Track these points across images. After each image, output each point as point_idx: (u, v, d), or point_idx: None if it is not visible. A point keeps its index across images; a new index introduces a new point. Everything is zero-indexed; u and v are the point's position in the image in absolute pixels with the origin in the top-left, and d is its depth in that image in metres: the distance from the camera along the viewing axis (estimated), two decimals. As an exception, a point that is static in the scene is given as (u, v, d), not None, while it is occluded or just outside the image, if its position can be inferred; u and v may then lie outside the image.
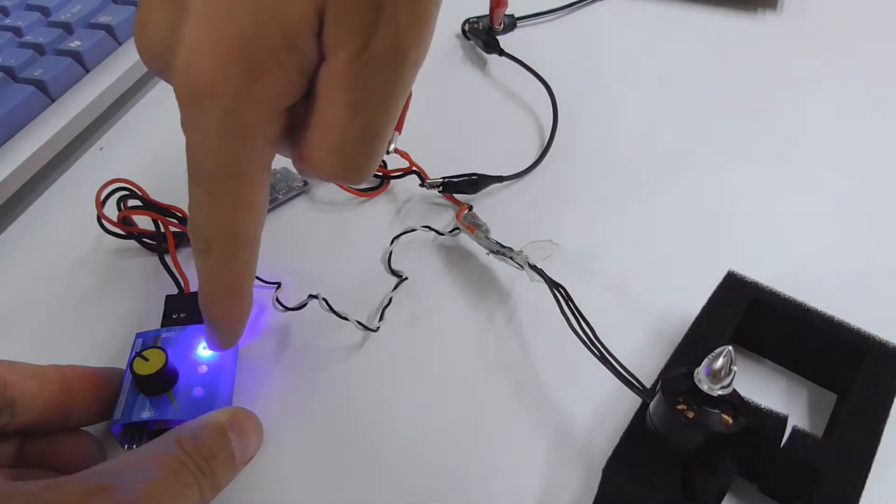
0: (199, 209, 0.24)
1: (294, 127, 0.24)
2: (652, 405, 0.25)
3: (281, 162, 0.39)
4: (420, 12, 0.22)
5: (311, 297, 0.31)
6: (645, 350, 0.31)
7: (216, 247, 0.24)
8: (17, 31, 0.43)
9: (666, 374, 0.25)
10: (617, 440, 0.25)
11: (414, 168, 0.38)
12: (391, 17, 0.21)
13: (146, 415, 0.26)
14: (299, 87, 0.22)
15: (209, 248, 0.24)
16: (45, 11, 0.44)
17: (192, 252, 0.25)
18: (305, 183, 0.38)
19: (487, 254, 0.34)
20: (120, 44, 0.44)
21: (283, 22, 0.21)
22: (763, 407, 0.26)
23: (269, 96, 0.22)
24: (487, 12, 0.48)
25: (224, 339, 0.27)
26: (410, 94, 0.38)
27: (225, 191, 0.23)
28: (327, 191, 0.39)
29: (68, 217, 0.37)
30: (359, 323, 0.31)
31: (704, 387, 0.23)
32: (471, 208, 0.37)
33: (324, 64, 0.22)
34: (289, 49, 0.21)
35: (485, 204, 0.38)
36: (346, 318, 0.31)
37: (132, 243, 0.35)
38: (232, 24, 0.21)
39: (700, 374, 0.23)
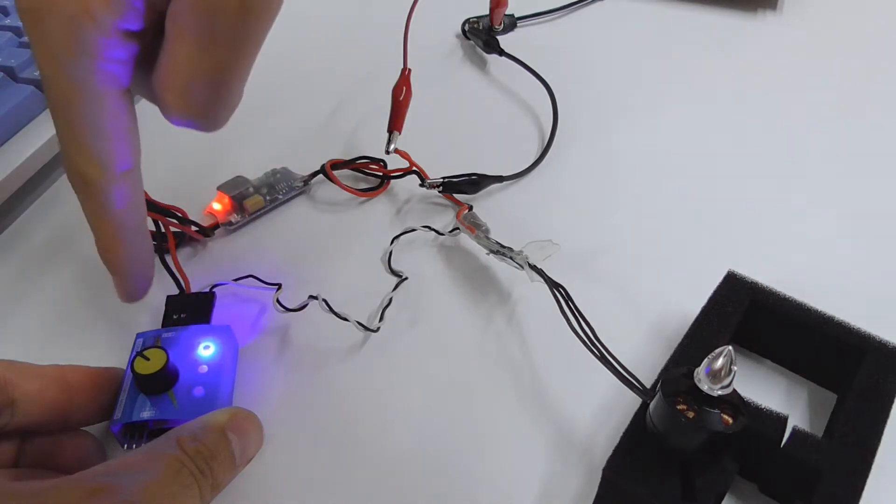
0: (64, 139, 0.24)
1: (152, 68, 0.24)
2: (652, 405, 0.25)
3: (281, 161, 0.39)
4: None
5: (312, 297, 0.31)
6: (645, 350, 0.31)
7: (87, 181, 0.25)
8: (18, 31, 0.43)
9: (666, 374, 0.25)
10: (617, 440, 0.25)
11: (414, 168, 0.38)
12: None
13: (146, 414, 0.26)
14: (142, 13, 0.23)
15: (84, 183, 0.25)
16: (45, 11, 0.44)
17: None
18: (305, 183, 0.38)
19: (487, 254, 0.34)
20: (120, 44, 0.44)
21: None
22: (763, 407, 0.26)
23: (107, 12, 0.22)
24: (487, 12, 0.48)
25: (120, 288, 0.27)
26: (410, 94, 0.39)
27: (80, 113, 0.23)
28: (327, 191, 0.39)
29: (68, 217, 0.37)
30: (359, 323, 0.31)
31: (704, 387, 0.23)
32: (471, 208, 0.37)
33: (172, 2, 0.23)
34: None
35: (485, 204, 0.38)
36: (345, 319, 0.31)
37: (132, 243, 0.35)
38: None
39: (700, 374, 0.23)
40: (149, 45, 0.24)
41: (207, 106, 0.24)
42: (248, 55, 0.24)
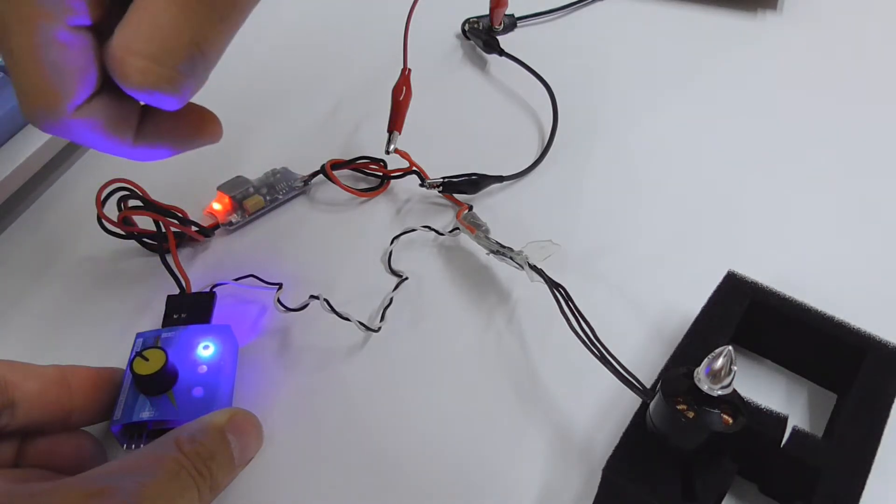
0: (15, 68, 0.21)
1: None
2: (652, 405, 0.25)
3: (281, 162, 0.39)
4: None
5: (313, 297, 0.31)
6: (645, 350, 0.31)
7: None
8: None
9: (666, 374, 0.25)
10: (617, 440, 0.25)
11: (414, 168, 0.38)
12: None
13: (146, 415, 0.26)
14: None
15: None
16: (44, 11, 0.44)
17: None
18: (305, 183, 0.38)
19: (487, 254, 0.34)
20: (120, 44, 0.44)
21: None
22: (763, 407, 0.26)
23: None
24: (487, 12, 0.48)
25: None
26: (410, 94, 0.39)
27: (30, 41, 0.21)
28: (327, 191, 0.39)
29: (68, 217, 0.37)
30: (360, 323, 0.31)
31: (704, 387, 0.23)
32: (471, 208, 0.37)
33: None
34: None
35: (485, 204, 0.38)
36: (347, 319, 0.31)
37: (132, 243, 0.35)
38: None
39: (700, 374, 0.23)
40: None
41: (177, 78, 0.21)
42: (230, 27, 0.22)
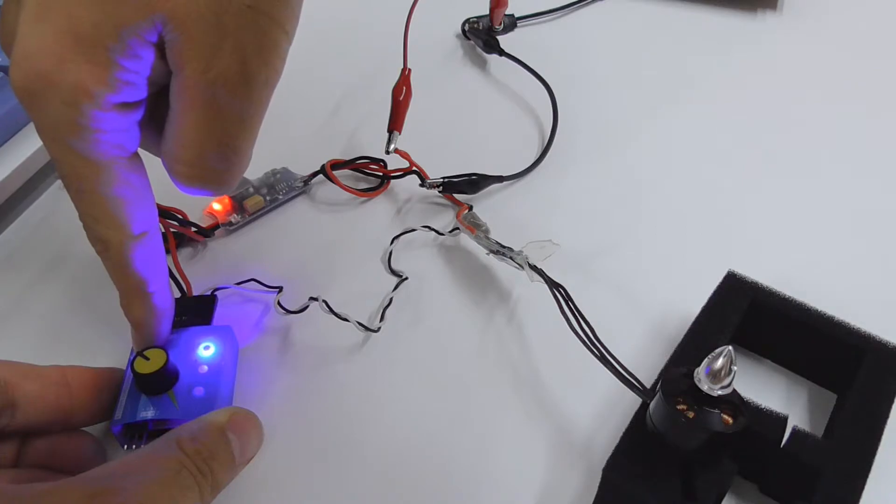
0: (80, 210, 0.25)
1: (161, 126, 0.25)
2: (652, 405, 0.25)
3: (281, 162, 0.39)
4: (267, 41, 0.23)
5: (312, 299, 0.31)
6: (645, 350, 0.31)
7: (106, 246, 0.25)
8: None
9: (666, 374, 0.25)
10: (617, 440, 0.25)
11: (414, 168, 0.38)
12: (237, 42, 0.22)
13: (147, 414, 0.26)
14: (142, 88, 0.23)
15: (104, 247, 0.25)
16: (45, 11, 0.44)
17: None
18: (305, 183, 0.38)
19: (487, 254, 0.34)
20: (120, 44, 0.44)
21: (118, 25, 0.22)
22: (763, 407, 0.26)
23: (103, 88, 0.22)
24: (487, 12, 0.48)
25: (136, 340, 0.28)
26: (410, 94, 0.39)
27: (91, 184, 0.24)
28: (327, 191, 0.39)
29: (68, 217, 0.37)
30: (359, 323, 0.31)
31: (704, 387, 0.23)
32: (471, 208, 0.37)
33: (173, 77, 0.23)
34: (124, 50, 0.22)
35: (485, 204, 0.38)
36: (346, 319, 0.31)
37: (132, 243, 0.35)
38: (66, 19, 0.21)
39: (700, 374, 0.23)
40: (152, 108, 0.25)
41: (218, 174, 0.25)
42: (254, 122, 0.25)
